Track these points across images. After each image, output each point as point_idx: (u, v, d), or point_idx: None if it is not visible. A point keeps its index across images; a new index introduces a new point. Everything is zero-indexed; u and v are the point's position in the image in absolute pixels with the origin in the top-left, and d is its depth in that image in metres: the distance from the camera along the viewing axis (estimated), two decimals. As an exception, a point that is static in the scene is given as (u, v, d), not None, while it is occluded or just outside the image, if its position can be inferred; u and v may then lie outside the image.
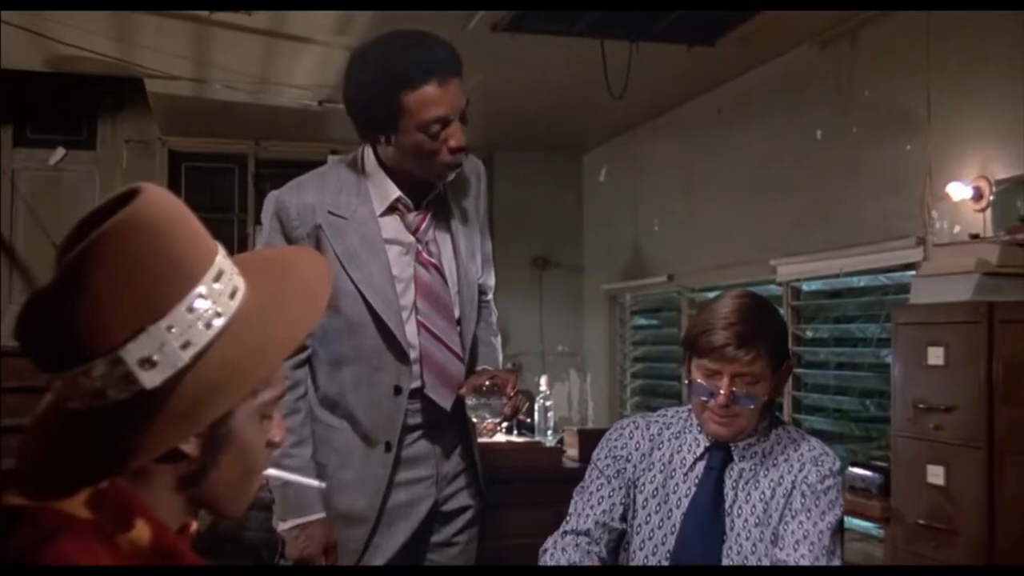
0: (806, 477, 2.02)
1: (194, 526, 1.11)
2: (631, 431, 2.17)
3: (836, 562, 1.98)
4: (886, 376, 3.41)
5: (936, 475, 2.98)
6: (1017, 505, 2.72)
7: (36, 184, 6.50)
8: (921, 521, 3.03)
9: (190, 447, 1.07)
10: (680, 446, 2.12)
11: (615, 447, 2.15)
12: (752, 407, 1.99)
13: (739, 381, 1.97)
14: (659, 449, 2.13)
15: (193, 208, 1.12)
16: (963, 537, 2.88)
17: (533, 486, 2.65)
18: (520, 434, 4.40)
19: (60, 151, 6.50)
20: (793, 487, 2.02)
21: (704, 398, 2.01)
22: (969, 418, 2.87)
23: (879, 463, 3.49)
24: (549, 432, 4.23)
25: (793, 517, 1.99)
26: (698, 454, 2.09)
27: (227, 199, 6.73)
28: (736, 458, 2.06)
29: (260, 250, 1.21)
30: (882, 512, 3.25)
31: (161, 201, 1.06)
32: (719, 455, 2.08)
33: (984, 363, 2.82)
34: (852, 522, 3.92)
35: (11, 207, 6.42)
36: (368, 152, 2.35)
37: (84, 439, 1.03)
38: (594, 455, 2.18)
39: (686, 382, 2.19)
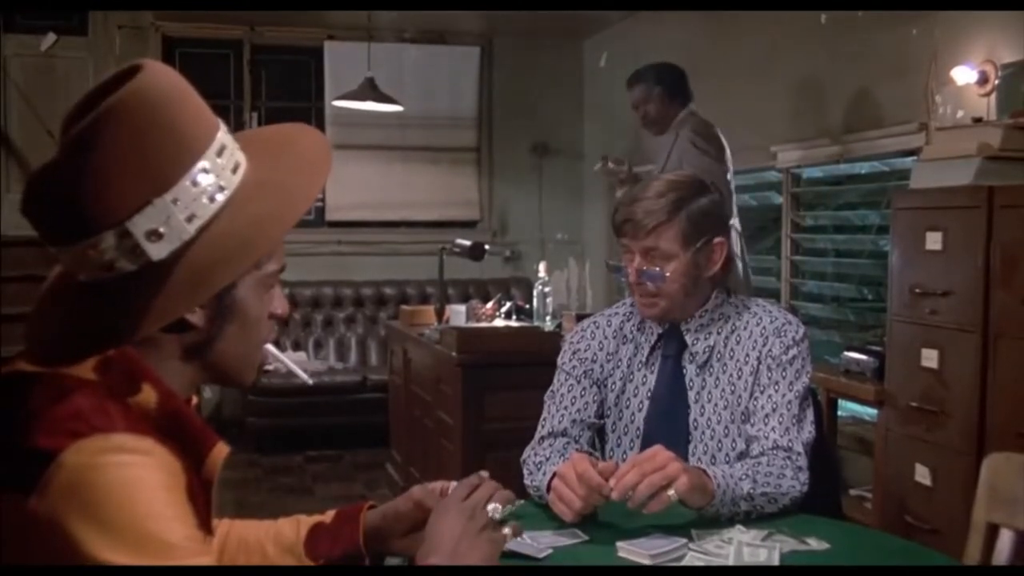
0: (770, 350, 2.00)
1: (195, 400, 1.13)
2: (592, 331, 2.14)
3: (807, 427, 1.97)
4: (885, 264, 3.41)
5: (930, 358, 3.01)
6: (1009, 388, 2.75)
7: (28, 71, 6.42)
8: (914, 404, 3.07)
9: (196, 317, 1.10)
10: (641, 338, 2.11)
11: (579, 349, 2.13)
12: (664, 285, 1.98)
13: (648, 258, 1.99)
14: (624, 344, 2.11)
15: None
16: (954, 419, 2.92)
17: (531, 369, 2.67)
18: (519, 319, 4.43)
19: (51, 36, 6.39)
20: (759, 362, 2.00)
21: (624, 279, 2.03)
22: (965, 302, 2.88)
23: (874, 348, 3.52)
24: (548, 317, 4.25)
25: (762, 392, 1.98)
26: (652, 342, 2.08)
27: (223, 85, 6.58)
28: (690, 342, 2.04)
29: (259, 128, 1.22)
30: (876, 395, 3.29)
31: (164, 76, 1.07)
32: (673, 341, 2.06)
33: (982, 248, 2.81)
34: (846, 406, 3.98)
35: (3, 94, 6.35)
36: None
37: (93, 309, 1.06)
38: (559, 360, 2.15)
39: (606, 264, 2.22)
